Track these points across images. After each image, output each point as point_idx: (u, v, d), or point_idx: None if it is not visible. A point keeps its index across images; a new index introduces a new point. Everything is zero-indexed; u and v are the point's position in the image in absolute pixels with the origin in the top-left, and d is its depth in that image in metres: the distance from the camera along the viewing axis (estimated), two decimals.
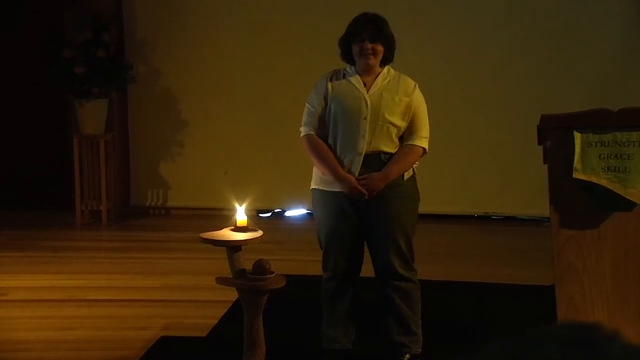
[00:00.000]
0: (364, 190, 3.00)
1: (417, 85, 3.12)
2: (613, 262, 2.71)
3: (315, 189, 3.17)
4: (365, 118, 3.03)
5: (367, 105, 3.04)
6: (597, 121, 2.71)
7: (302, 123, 3.15)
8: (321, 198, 3.13)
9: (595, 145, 2.69)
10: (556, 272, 2.76)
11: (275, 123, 5.87)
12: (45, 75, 5.71)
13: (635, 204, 2.68)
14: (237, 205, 3.09)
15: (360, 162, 3.03)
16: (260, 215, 5.95)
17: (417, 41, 5.56)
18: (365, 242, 3.17)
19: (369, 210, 3.07)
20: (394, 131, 3.05)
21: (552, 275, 2.81)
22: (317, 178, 3.14)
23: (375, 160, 3.04)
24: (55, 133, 6.06)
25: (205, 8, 5.90)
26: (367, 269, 3.24)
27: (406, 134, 3.08)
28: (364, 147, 3.03)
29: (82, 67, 5.50)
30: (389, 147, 3.05)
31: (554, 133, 2.74)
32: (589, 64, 5.61)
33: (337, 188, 3.06)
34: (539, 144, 2.79)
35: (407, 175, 3.10)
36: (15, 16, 5.99)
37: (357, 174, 3.03)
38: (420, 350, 3.19)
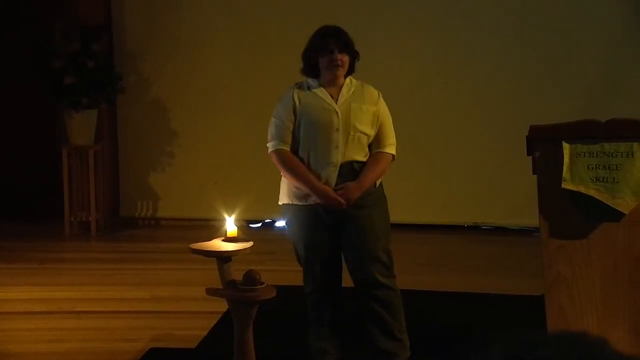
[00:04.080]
0: (342, 200, 3.02)
1: (380, 94, 3.18)
2: (602, 271, 2.72)
3: (288, 204, 3.15)
4: (337, 129, 3.06)
5: (337, 117, 3.07)
6: (585, 132, 2.73)
7: (270, 138, 3.15)
8: (296, 213, 3.13)
9: (584, 156, 2.70)
10: (546, 281, 2.77)
11: (266, 133, 5.86)
12: (34, 86, 5.69)
13: (623, 214, 2.69)
14: (227, 216, 3.09)
15: (336, 173, 3.06)
16: (251, 225, 5.94)
17: (405, 52, 5.59)
18: (341, 253, 3.18)
19: (345, 221, 3.08)
20: (364, 140, 3.10)
21: (542, 285, 2.81)
22: (290, 193, 3.13)
23: (349, 170, 3.07)
24: (44, 144, 6.04)
25: (195, 18, 5.91)
26: (345, 279, 3.24)
27: (374, 142, 3.13)
28: (338, 159, 3.06)
29: (71, 77, 5.49)
30: (361, 156, 3.10)
31: (543, 143, 2.76)
32: (579, 74, 5.64)
33: (311, 201, 3.07)
34: (528, 154, 2.81)
35: (377, 183, 3.14)
36: (3, 27, 5.97)
37: (333, 185, 3.06)
38: (409, 354, 3.20)
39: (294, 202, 3.12)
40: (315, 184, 3.04)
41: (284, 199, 3.17)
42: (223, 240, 3.06)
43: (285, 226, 3.27)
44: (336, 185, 3.05)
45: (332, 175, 3.05)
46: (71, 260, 5.21)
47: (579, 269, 2.72)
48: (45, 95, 5.62)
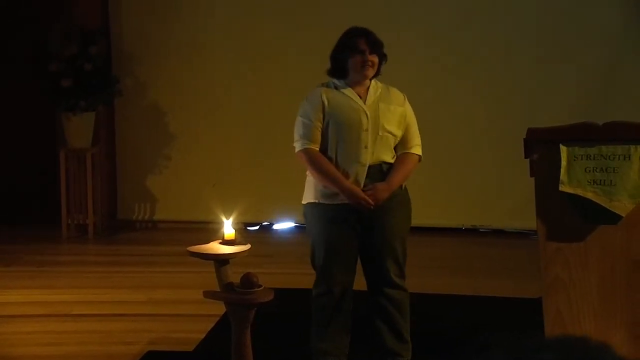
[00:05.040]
0: (370, 201, 3.02)
1: (405, 96, 3.22)
2: (599, 274, 2.72)
3: (313, 203, 3.13)
4: (366, 130, 3.08)
5: (367, 117, 3.09)
6: (582, 134, 2.74)
7: (298, 137, 3.12)
8: (322, 212, 3.11)
9: (581, 159, 2.71)
10: (543, 284, 2.77)
11: (264, 136, 5.88)
12: (31, 89, 5.68)
13: (620, 217, 2.70)
14: (224, 219, 3.09)
15: (365, 174, 3.07)
16: (248, 228, 5.94)
17: (403, 54, 5.59)
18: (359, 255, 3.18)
19: (371, 221, 3.09)
20: (392, 141, 3.12)
21: (540, 288, 2.82)
22: (317, 192, 3.11)
23: (378, 171, 3.09)
24: (42, 146, 6.03)
25: (192, 21, 5.91)
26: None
27: (400, 143, 3.15)
28: (367, 159, 3.07)
29: (69, 80, 5.49)
30: (389, 157, 3.12)
31: (541, 146, 2.76)
32: (577, 77, 5.65)
33: (339, 201, 3.06)
34: (526, 157, 2.81)
35: (404, 184, 3.16)
36: (2, 29, 5.97)
37: (362, 184, 3.06)
38: (410, 357, 3.22)
39: (321, 201, 3.11)
40: (345, 184, 3.04)
41: (309, 197, 3.15)
42: (221, 243, 3.06)
43: (306, 225, 3.23)
44: (364, 185, 3.06)
45: (361, 174, 3.07)
46: (68, 263, 5.20)
47: (577, 271, 2.73)
48: (43, 97, 5.62)
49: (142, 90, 6.00)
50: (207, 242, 3.10)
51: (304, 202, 3.19)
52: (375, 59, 3.09)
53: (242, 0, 5.88)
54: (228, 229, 3.07)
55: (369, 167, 3.07)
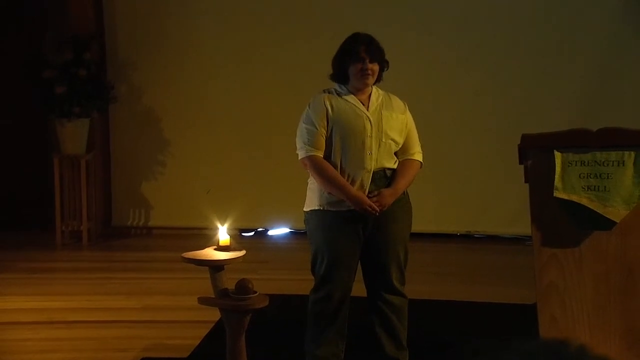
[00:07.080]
0: (376, 207, 3.04)
1: (406, 104, 3.25)
2: (594, 280, 2.73)
3: (317, 210, 3.12)
4: (370, 136, 3.10)
5: (370, 124, 3.10)
6: (576, 141, 2.75)
7: (302, 144, 3.11)
8: (327, 219, 3.10)
9: (576, 165, 2.72)
10: (538, 290, 2.77)
11: (258, 142, 5.88)
12: (25, 95, 5.68)
13: (614, 223, 2.70)
14: (219, 225, 3.09)
15: (370, 179, 3.08)
16: (243, 234, 5.94)
17: (396, 60, 5.59)
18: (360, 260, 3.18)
19: (376, 227, 3.10)
20: (394, 147, 3.15)
21: (534, 294, 2.82)
22: (322, 199, 3.11)
23: (381, 177, 3.11)
24: (36, 153, 6.02)
25: (186, 27, 5.92)
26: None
27: (401, 150, 3.18)
28: (372, 165, 3.08)
29: (63, 86, 5.48)
30: (391, 163, 3.14)
31: (535, 152, 2.77)
32: (571, 83, 5.67)
33: (345, 207, 3.07)
34: (520, 163, 2.82)
35: (406, 190, 3.20)
36: None
37: (367, 191, 3.07)
38: None
39: (326, 208, 3.10)
40: (351, 191, 3.05)
41: (313, 205, 3.14)
42: (215, 249, 3.06)
43: (308, 233, 3.21)
44: (369, 191, 3.07)
45: (366, 180, 3.08)
46: (63, 269, 5.18)
47: (571, 277, 2.73)
48: (37, 104, 5.61)
49: (137, 97, 6.00)
50: (202, 248, 3.10)
51: (306, 209, 3.18)
52: (376, 67, 3.11)
53: (236, 5, 5.89)
54: (223, 235, 3.07)
55: (373, 172, 3.08)
